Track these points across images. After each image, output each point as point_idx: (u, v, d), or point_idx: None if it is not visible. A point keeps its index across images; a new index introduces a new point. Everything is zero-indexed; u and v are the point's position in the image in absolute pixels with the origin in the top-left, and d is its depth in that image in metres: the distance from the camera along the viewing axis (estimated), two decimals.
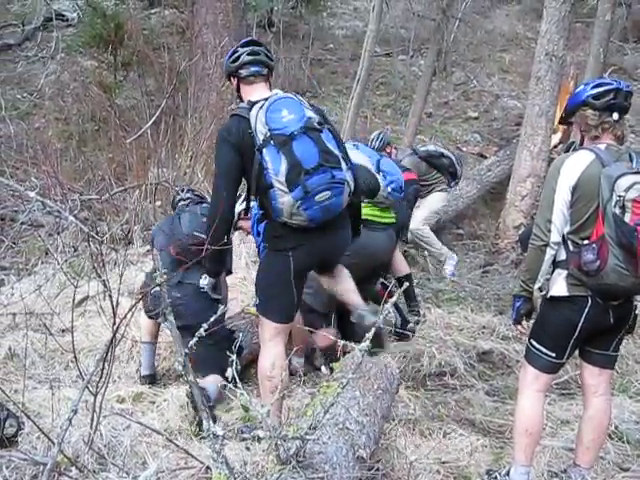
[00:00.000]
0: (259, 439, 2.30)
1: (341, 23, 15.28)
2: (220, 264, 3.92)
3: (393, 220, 5.36)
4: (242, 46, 3.77)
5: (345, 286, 3.89)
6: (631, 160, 3.28)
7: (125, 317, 2.55)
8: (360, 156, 4.86)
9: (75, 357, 2.97)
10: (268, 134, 3.41)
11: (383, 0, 8.74)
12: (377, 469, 3.52)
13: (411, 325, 5.80)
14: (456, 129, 12.35)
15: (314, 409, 2.87)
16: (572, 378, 5.13)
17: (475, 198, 9.04)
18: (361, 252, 4.55)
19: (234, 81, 3.79)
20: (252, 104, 3.55)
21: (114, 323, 2.66)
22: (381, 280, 5.70)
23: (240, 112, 3.57)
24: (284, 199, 3.40)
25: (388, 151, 7.18)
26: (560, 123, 3.78)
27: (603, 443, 3.67)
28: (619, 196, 3.09)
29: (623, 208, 3.08)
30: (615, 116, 3.33)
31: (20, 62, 12.70)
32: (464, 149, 11.61)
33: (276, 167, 3.39)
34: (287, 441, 2.71)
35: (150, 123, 7.79)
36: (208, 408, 2.57)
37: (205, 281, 3.86)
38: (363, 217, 4.13)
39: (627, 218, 3.07)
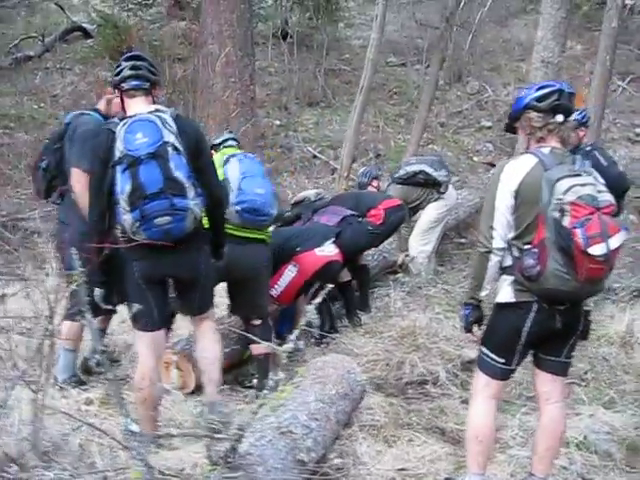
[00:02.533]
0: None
1: (358, 33, 15.29)
2: (101, 274, 3.81)
3: (262, 237, 4.86)
4: (125, 60, 3.83)
5: (207, 360, 3.93)
6: (574, 163, 3.26)
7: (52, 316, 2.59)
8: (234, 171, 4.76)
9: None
10: (122, 153, 3.50)
11: (386, 9, 8.76)
12: (326, 474, 3.52)
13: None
14: (469, 138, 12.32)
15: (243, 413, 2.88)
16: None
17: (478, 207, 8.97)
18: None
19: (118, 93, 3.87)
20: (122, 119, 3.64)
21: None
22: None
23: (111, 126, 3.65)
24: (126, 217, 3.50)
25: (375, 185, 7.34)
26: (505, 130, 3.74)
27: (558, 451, 3.61)
28: (558, 199, 3.07)
29: (562, 212, 3.06)
30: (559, 118, 3.32)
31: (39, 73, 12.96)
32: (475, 159, 11.59)
33: (122, 186, 3.48)
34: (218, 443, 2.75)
35: None
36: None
37: (96, 291, 3.86)
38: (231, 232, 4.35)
39: (566, 222, 3.05)
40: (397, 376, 5.23)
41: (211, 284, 3.99)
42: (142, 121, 3.57)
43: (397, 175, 7.55)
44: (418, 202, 7.46)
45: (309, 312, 2.70)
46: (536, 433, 3.56)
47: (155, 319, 3.73)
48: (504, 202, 3.26)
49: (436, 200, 7.40)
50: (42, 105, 11.92)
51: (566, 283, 3.10)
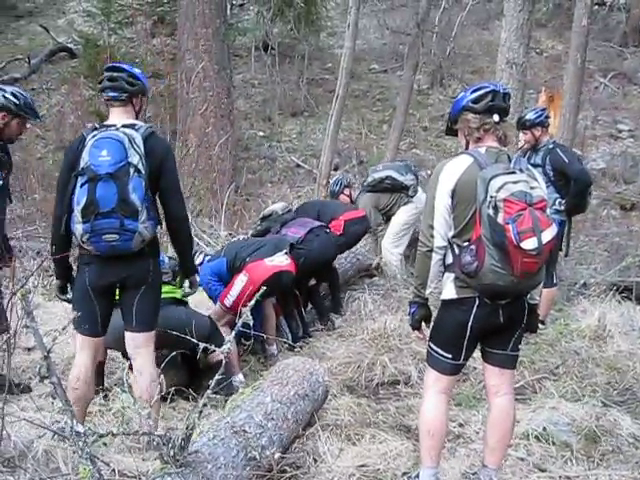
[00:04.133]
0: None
1: (340, 42, 15.40)
2: (61, 269, 3.99)
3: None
4: (105, 71, 3.92)
5: (141, 388, 3.85)
6: (510, 161, 3.37)
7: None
8: None
9: None
10: (86, 165, 3.61)
11: (357, 17, 8.89)
12: (284, 471, 3.62)
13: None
14: (451, 142, 12.38)
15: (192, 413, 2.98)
16: (528, 383, 5.18)
17: None
18: None
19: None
20: (95, 129, 3.75)
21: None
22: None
23: (86, 133, 3.76)
24: (77, 226, 3.63)
25: (347, 194, 7.57)
26: (446, 134, 3.84)
27: (508, 443, 3.68)
28: (491, 196, 3.16)
29: (496, 208, 3.16)
30: (496, 117, 3.42)
31: None
32: None
33: (79, 198, 3.61)
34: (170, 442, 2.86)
35: None
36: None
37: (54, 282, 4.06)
38: None
39: (499, 218, 3.14)
40: (368, 377, 5.32)
41: (155, 301, 3.93)
42: (110, 139, 3.64)
43: (366, 183, 7.71)
44: (389, 207, 7.61)
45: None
46: (487, 426, 3.64)
47: (98, 325, 3.83)
48: (442, 201, 3.36)
49: (406, 204, 7.52)
50: (28, 126, 12.03)
51: (503, 278, 3.19)
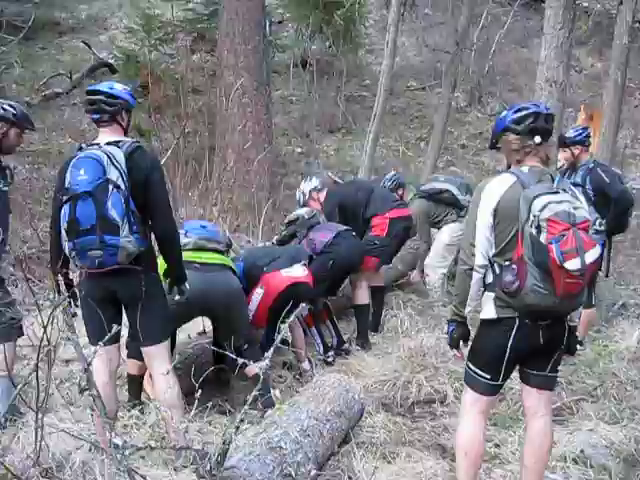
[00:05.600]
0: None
1: (379, 59, 15.47)
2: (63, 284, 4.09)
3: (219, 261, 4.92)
4: (85, 94, 4.03)
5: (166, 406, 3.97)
6: (553, 181, 3.35)
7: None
8: None
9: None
10: (68, 185, 3.73)
11: (396, 35, 8.92)
12: None
13: (330, 353, 6.01)
14: (489, 160, 12.38)
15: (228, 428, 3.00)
16: (565, 405, 5.12)
17: None
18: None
19: None
20: (80, 149, 3.86)
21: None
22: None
23: (72, 154, 3.86)
24: (65, 244, 3.77)
25: (400, 193, 7.39)
26: (491, 148, 3.83)
27: (545, 465, 3.64)
28: (534, 216, 3.15)
29: (539, 228, 3.14)
30: (537, 139, 3.40)
31: (66, 109, 13.34)
32: None
33: (64, 217, 3.74)
34: (206, 457, 2.87)
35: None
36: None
37: None
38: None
39: (542, 238, 3.12)
40: (404, 396, 5.29)
41: (158, 313, 4.02)
42: (88, 157, 3.73)
43: (423, 189, 7.66)
44: (438, 219, 7.57)
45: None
46: (524, 447, 3.61)
47: (105, 334, 3.80)
48: (484, 220, 3.36)
49: (454, 221, 7.47)
50: (69, 140, 12.26)
51: (544, 298, 3.17)
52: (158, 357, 4.01)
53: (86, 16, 17.48)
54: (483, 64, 14.10)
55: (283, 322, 2.79)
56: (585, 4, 15.44)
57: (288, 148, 12.48)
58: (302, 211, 6.48)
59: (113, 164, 3.70)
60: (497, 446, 4.47)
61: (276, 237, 6.62)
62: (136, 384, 4.81)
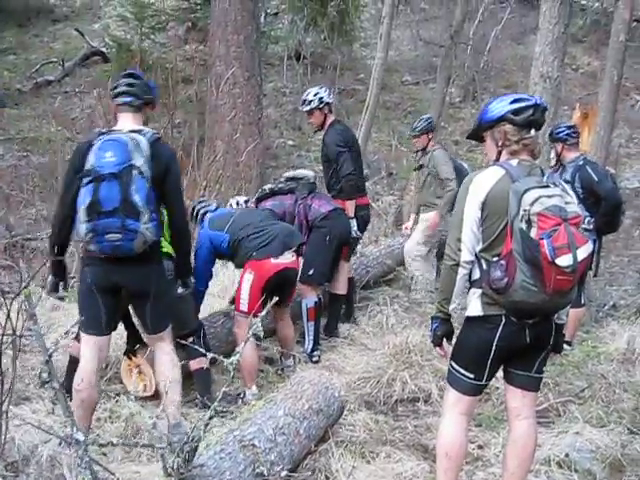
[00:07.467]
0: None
1: (373, 53, 15.37)
2: (58, 267, 4.06)
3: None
4: (122, 77, 4.04)
5: (166, 383, 3.91)
6: (542, 175, 3.23)
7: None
8: None
9: None
10: (91, 167, 3.68)
11: (390, 28, 8.79)
12: None
13: (316, 353, 5.89)
14: (482, 156, 12.26)
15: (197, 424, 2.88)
16: (551, 406, 5.01)
17: None
18: None
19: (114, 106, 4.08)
20: (101, 133, 3.83)
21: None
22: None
23: (91, 138, 3.84)
24: (81, 226, 3.68)
25: (429, 137, 7.31)
26: (468, 138, 3.69)
27: (529, 468, 3.53)
28: (524, 210, 3.03)
29: (529, 222, 3.02)
30: (533, 132, 3.29)
31: (58, 97, 13.21)
32: None
33: (84, 198, 3.67)
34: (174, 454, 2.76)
35: None
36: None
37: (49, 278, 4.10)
38: None
39: (533, 233, 3.00)
40: (387, 393, 5.17)
41: (166, 304, 4.03)
42: (115, 141, 3.72)
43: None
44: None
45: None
46: (506, 449, 3.49)
47: (103, 325, 3.87)
48: (471, 214, 3.23)
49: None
50: (59, 128, 12.13)
51: (534, 295, 3.05)
52: (165, 338, 4.05)
53: (80, 4, 17.37)
54: (478, 60, 14.00)
55: (255, 316, 2.68)
56: (583, 2, 15.36)
57: (280, 140, 12.37)
58: (309, 173, 6.35)
59: (138, 150, 3.70)
60: (480, 447, 4.35)
61: (260, 191, 6.37)
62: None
